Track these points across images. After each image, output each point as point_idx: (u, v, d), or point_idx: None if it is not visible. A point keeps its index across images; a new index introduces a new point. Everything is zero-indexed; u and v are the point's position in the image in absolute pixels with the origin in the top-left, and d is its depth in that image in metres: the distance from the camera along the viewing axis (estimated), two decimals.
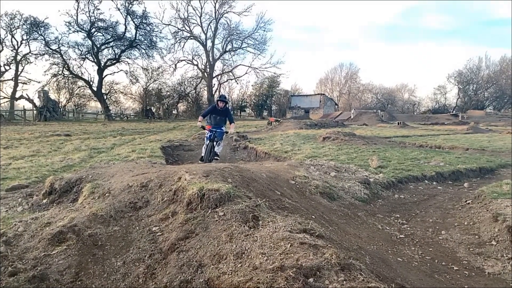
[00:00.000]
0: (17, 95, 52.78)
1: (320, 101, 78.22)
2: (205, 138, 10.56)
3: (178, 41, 67.17)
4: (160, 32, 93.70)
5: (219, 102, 10.30)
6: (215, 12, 66.85)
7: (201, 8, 77.16)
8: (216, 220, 4.24)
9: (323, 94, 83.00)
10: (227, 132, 10.44)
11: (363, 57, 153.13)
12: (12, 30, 52.70)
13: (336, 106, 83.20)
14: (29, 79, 55.42)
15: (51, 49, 55.33)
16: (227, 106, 10.49)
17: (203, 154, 10.46)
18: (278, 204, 5.19)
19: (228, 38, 68.53)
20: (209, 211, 4.46)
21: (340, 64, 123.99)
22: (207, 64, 68.75)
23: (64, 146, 15.33)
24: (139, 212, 5.02)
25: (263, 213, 4.42)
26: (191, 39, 67.91)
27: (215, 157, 10.37)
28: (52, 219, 4.88)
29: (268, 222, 4.17)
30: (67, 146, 15.23)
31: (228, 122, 10.49)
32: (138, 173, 6.64)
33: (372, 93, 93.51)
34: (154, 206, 5.10)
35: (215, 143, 10.29)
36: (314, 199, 6.78)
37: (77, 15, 55.34)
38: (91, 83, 59.81)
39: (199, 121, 10.10)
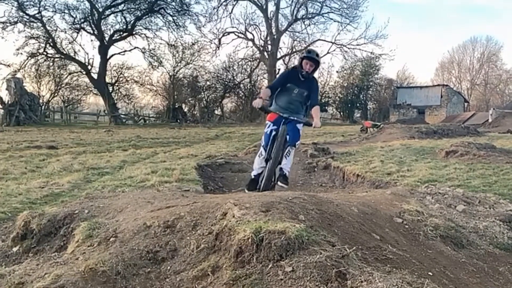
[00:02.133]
0: None
1: (441, 96, 77.06)
2: (263, 139, 9.05)
3: (224, 4, 67.27)
4: None
5: (305, 62, 8.87)
6: None
7: None
8: (281, 279, 4.18)
9: (446, 85, 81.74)
10: (310, 125, 9.18)
11: (508, 28, 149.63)
12: None
13: (465, 104, 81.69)
14: None
15: (27, 14, 54.17)
16: (314, 75, 9.35)
17: (255, 173, 9.21)
18: (377, 254, 5.07)
19: (301, 0, 68.45)
20: (270, 265, 4.40)
21: (472, 39, 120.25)
22: (269, 38, 68.95)
23: (46, 164, 15.19)
24: (161, 267, 5.00)
25: (353, 268, 4.32)
26: (243, 0, 68.33)
27: (281, 182, 8.82)
28: (27, 278, 4.85)
29: (361, 282, 4.07)
30: (51, 164, 14.99)
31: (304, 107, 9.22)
32: (161, 206, 6.65)
33: None
34: (185, 258, 5.06)
35: (283, 152, 8.75)
36: (432, 247, 6.61)
37: None
38: (89, 67, 59.33)
39: (260, 97, 8.77)
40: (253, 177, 9.33)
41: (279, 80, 9.28)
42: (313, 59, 8.95)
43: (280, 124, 8.73)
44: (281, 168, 8.97)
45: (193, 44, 65.26)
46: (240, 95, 71.19)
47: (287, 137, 8.67)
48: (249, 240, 4.64)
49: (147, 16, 59.77)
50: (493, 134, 35.03)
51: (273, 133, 8.81)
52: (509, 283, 6.13)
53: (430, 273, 5.10)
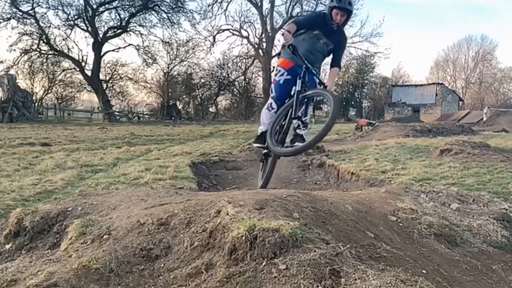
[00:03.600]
0: None
1: (436, 95, 77.07)
2: (274, 89, 7.88)
3: (219, 1, 66.56)
4: None
5: (335, 12, 7.49)
6: None
7: None
8: (275, 277, 4.17)
9: (441, 83, 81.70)
10: (323, 85, 7.53)
11: (503, 27, 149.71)
12: None
13: (460, 103, 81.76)
14: None
15: (20, 10, 53.97)
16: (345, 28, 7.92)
17: (263, 129, 7.92)
18: (371, 252, 5.07)
19: None
20: (263, 263, 4.40)
21: (467, 38, 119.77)
22: (263, 36, 68.59)
23: (39, 161, 15.05)
24: (155, 264, 4.97)
25: (347, 266, 4.32)
26: None
27: (299, 142, 7.41)
28: (20, 275, 4.81)
29: (355, 279, 4.07)
30: (45, 161, 14.81)
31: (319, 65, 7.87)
32: (155, 203, 6.61)
33: None
34: (179, 255, 5.05)
35: (301, 110, 7.32)
36: (426, 245, 6.61)
37: None
38: (82, 64, 59.11)
39: (288, 31, 7.18)
40: (259, 133, 8.16)
41: (308, 20, 7.65)
42: (345, 9, 7.53)
43: (297, 74, 7.46)
44: (297, 134, 7.58)
45: (187, 41, 65.17)
46: (235, 92, 70.97)
47: (307, 93, 7.33)
48: (243, 237, 4.63)
49: (141, 13, 59.50)
50: (488, 132, 35.05)
51: (298, 89, 7.34)
52: (503, 281, 6.14)
53: (424, 271, 5.10)
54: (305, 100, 7.42)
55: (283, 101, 7.71)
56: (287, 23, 67.12)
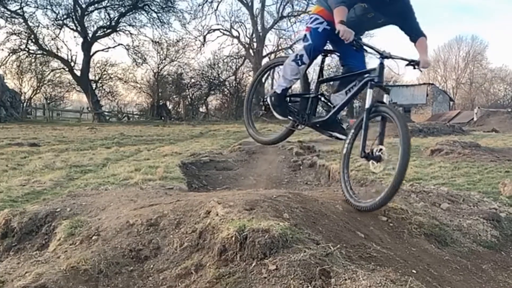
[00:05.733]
0: None
1: (427, 95, 77.13)
2: (310, 37, 6.44)
3: (209, 1, 66.28)
4: None
5: None
6: None
7: None
8: (265, 278, 4.17)
9: (432, 83, 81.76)
10: (414, 64, 6.40)
11: (494, 27, 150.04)
12: None
13: (451, 103, 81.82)
14: None
15: (8, 10, 53.39)
16: None
17: (284, 85, 6.89)
18: (361, 252, 5.07)
19: None
20: (253, 264, 4.39)
21: (458, 38, 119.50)
22: (254, 36, 68.29)
23: (28, 162, 14.93)
24: (144, 265, 4.95)
25: (337, 266, 4.32)
26: None
27: (341, 134, 6.81)
28: (8, 277, 4.78)
29: (345, 280, 4.07)
30: (33, 162, 14.73)
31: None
32: (144, 204, 6.58)
33: (506, 83, 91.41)
34: (169, 256, 5.03)
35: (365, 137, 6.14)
36: (416, 244, 6.61)
37: None
38: (72, 64, 58.40)
39: (341, 23, 5.75)
40: (280, 91, 6.90)
41: None
42: None
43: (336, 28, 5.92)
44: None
45: (177, 41, 64.42)
46: (225, 92, 70.56)
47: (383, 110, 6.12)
48: (233, 238, 4.62)
49: (131, 12, 58.78)
50: (478, 132, 35.15)
51: (368, 105, 6.32)
52: (492, 280, 6.15)
53: (414, 271, 5.11)
54: (378, 116, 6.24)
55: (318, 54, 6.63)
56: (277, 22, 67.31)
